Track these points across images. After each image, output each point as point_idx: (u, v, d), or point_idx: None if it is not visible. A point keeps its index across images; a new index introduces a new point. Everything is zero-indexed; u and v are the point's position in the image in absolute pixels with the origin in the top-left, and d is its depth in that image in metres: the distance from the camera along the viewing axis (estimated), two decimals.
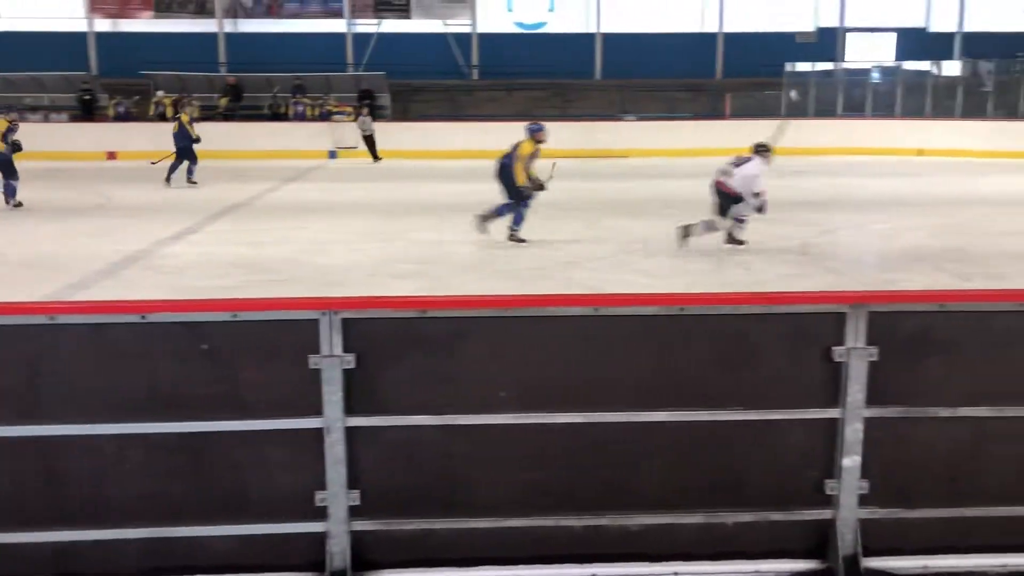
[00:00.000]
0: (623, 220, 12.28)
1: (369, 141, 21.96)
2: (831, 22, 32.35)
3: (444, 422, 3.01)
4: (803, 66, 28.38)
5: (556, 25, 32.38)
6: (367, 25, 30.42)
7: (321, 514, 3.03)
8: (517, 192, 10.14)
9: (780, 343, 3.07)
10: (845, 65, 30.32)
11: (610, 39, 32.26)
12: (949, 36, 32.28)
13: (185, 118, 17.22)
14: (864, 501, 3.09)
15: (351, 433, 3.00)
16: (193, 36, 29.40)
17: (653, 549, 3.11)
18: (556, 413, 3.00)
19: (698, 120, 26.15)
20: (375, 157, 21.78)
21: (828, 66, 29.87)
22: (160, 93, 25.11)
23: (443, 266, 9.06)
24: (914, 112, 25.38)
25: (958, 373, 3.07)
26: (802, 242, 10.32)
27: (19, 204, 13.66)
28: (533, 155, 10.33)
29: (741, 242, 9.70)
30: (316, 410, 2.97)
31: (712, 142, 24.31)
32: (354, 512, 3.04)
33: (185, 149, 16.85)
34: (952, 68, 28.90)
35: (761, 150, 9.66)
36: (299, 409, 2.97)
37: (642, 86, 29.45)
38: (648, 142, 23.17)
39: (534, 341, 3.01)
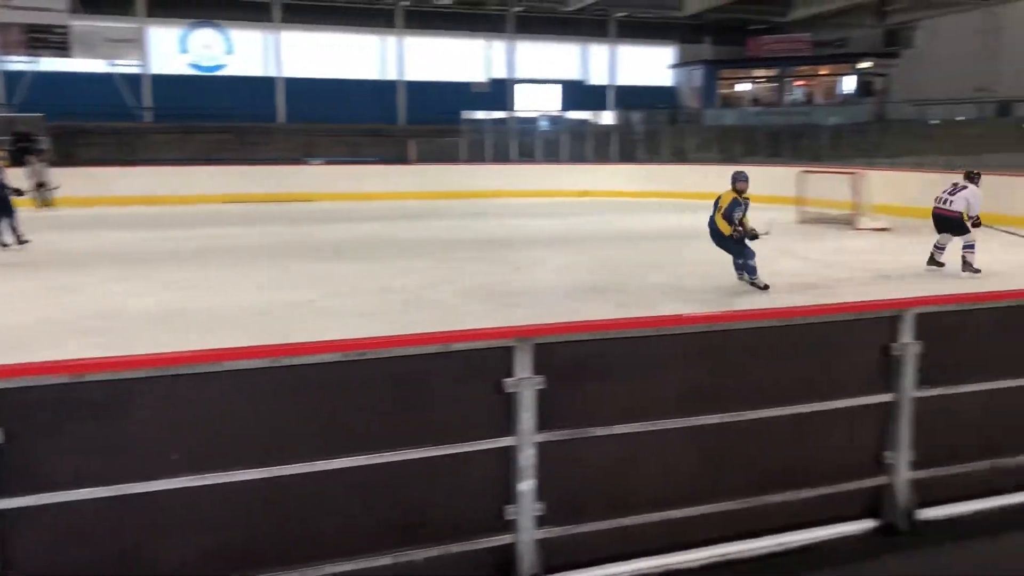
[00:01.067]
0: (312, 264, 12.16)
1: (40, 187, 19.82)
2: (502, 74, 34.59)
3: (114, 492, 2.78)
4: (479, 114, 29.99)
5: (235, 68, 31.56)
6: (20, 62, 27.63)
7: None
8: (732, 244, 9.77)
9: (456, 379, 3.20)
10: (516, 114, 32.53)
11: (292, 83, 32.03)
12: (603, 89, 35.80)
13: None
14: (541, 522, 3.29)
15: (2, 518, 2.69)
16: None
17: None
18: (233, 471, 2.89)
19: (383, 165, 26.63)
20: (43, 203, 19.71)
21: (501, 114, 31.84)
22: None
23: (128, 321, 8.41)
24: (578, 157, 27.73)
25: (613, 394, 3.39)
26: (488, 279, 10.83)
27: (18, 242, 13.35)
28: (736, 204, 9.69)
29: (976, 270, 10.57)
30: None
31: (397, 186, 24.94)
32: None
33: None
34: (608, 118, 32.03)
35: (974, 177, 11.07)
36: None
37: (326, 131, 29.51)
38: (334, 186, 23.16)
39: (208, 398, 2.89)
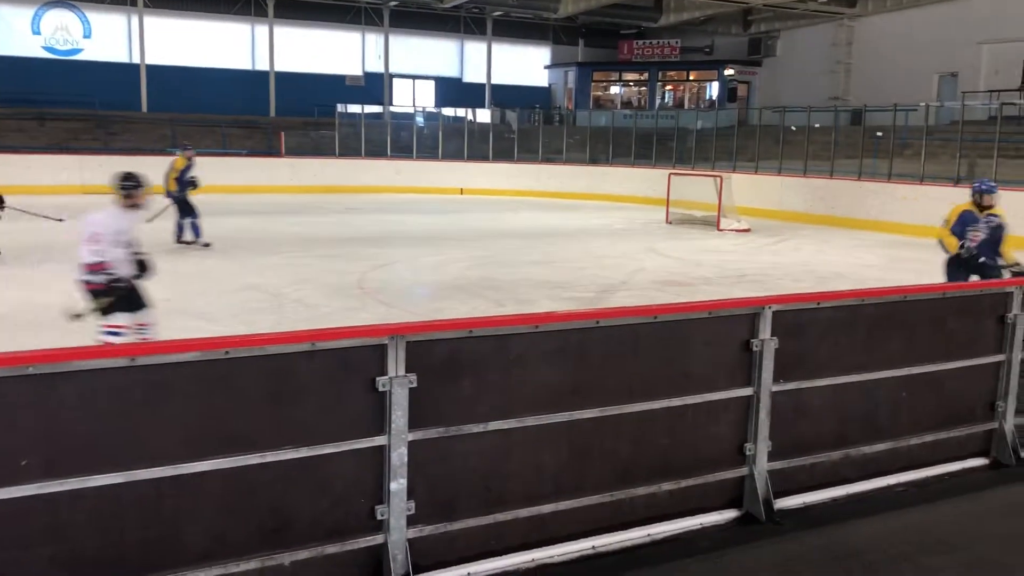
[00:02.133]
0: (172, 262, 11.70)
1: None
2: (377, 68, 34.16)
3: None
4: (354, 108, 29.52)
5: (94, 53, 29.94)
6: None
7: None
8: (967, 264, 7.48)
9: (327, 377, 3.14)
10: (392, 109, 32.21)
11: (156, 71, 30.65)
12: (481, 87, 35.88)
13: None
14: (412, 521, 3.27)
15: None
16: None
17: None
18: (87, 477, 2.75)
19: (254, 157, 25.88)
20: None
21: (377, 109, 31.45)
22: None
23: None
24: (454, 154, 27.71)
25: (485, 391, 3.40)
26: (360, 276, 10.69)
27: (207, 244, 12.58)
28: (967, 216, 7.48)
29: None
30: None
31: (268, 179, 24.29)
32: None
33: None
34: (484, 116, 32.12)
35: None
36: None
37: (194, 121, 28.39)
38: (202, 178, 22.29)
39: (61, 400, 2.73)
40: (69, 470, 2.75)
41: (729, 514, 3.98)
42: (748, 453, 3.98)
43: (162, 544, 2.92)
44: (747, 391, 3.94)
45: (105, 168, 21.81)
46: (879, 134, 20.58)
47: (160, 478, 2.87)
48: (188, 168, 12.97)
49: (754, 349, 3.90)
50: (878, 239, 15.89)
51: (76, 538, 2.81)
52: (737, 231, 16.77)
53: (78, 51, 29.82)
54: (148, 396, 2.86)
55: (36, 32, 29.13)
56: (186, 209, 12.93)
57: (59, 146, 25.03)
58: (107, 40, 30.17)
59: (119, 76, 29.97)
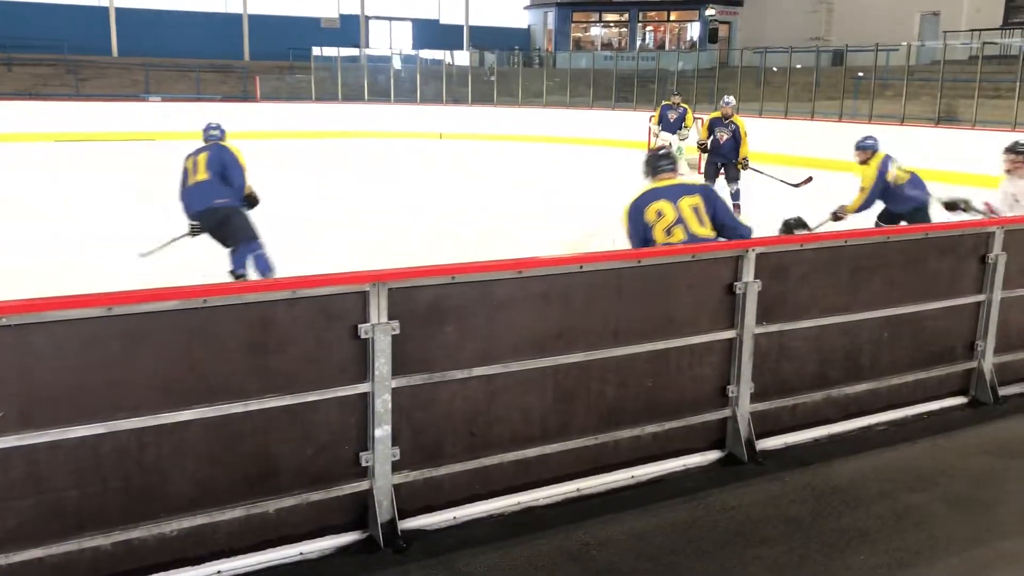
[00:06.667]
0: (143, 209, 11.53)
1: None
2: (353, 10, 33.51)
3: None
4: (329, 51, 29.01)
5: None
6: None
7: None
8: None
9: (308, 325, 3.10)
10: (368, 52, 31.65)
11: (126, 13, 29.95)
12: (459, 28, 35.32)
13: None
14: (396, 467, 3.27)
15: None
16: None
17: (193, 552, 2.99)
18: (66, 428, 2.72)
19: (228, 102, 25.44)
20: None
21: (353, 52, 30.91)
22: None
23: None
24: (432, 98, 27.37)
25: (468, 337, 3.38)
26: (336, 219, 10.59)
27: None
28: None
29: None
30: None
31: (243, 125, 23.84)
32: None
33: None
34: (463, 58, 31.65)
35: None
36: None
37: (167, 65, 27.84)
38: (175, 124, 21.93)
39: (36, 351, 2.69)
40: (47, 421, 2.71)
41: (712, 455, 4.02)
42: (731, 395, 4.00)
43: (145, 493, 2.90)
44: (730, 334, 3.95)
45: (80, 115, 21.61)
46: (860, 75, 20.48)
47: (142, 428, 2.84)
48: None
49: (737, 292, 3.89)
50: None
51: (57, 489, 2.79)
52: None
53: None
54: (126, 346, 2.82)
55: None
56: None
57: (28, 92, 24.49)
58: None
59: (88, 18, 29.27)
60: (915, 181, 7.22)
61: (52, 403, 2.72)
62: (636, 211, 4.80)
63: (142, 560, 2.93)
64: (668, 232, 4.65)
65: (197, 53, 28.81)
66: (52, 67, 26.75)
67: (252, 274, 6.75)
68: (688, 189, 4.84)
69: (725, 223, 4.75)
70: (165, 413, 2.87)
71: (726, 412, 4.02)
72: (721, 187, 11.15)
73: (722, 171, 11.37)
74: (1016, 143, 6.79)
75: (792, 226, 7.06)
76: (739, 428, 4.00)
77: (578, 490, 3.65)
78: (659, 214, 4.69)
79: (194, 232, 6.83)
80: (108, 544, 2.86)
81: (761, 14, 32.90)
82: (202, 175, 6.74)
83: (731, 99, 11.87)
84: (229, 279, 6.71)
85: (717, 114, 11.50)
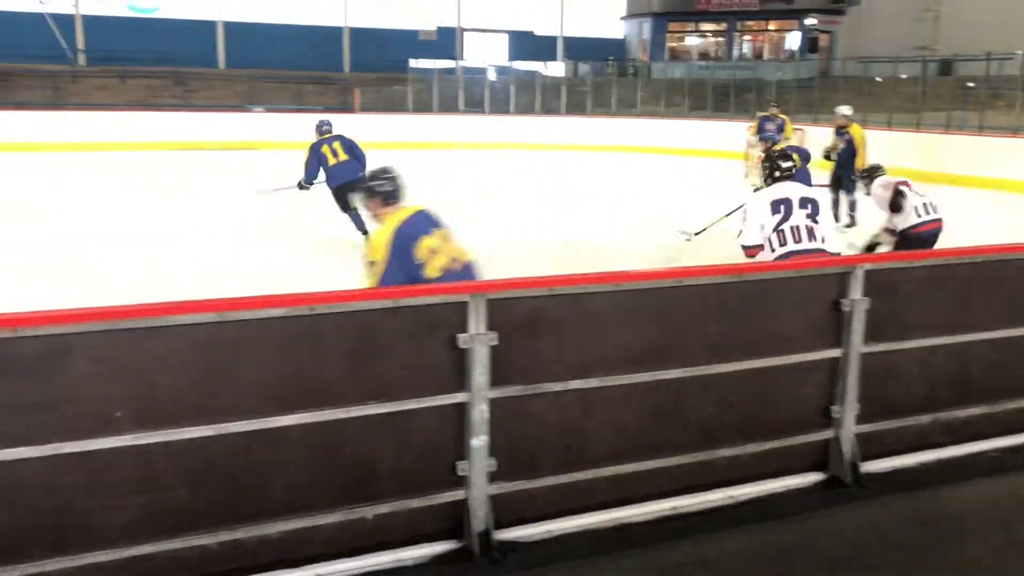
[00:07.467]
0: (254, 213, 11.90)
1: None
2: (450, 22, 34.00)
3: (47, 452, 2.69)
4: (426, 63, 29.47)
5: (172, 10, 30.47)
6: None
7: None
8: None
9: (408, 334, 3.14)
10: (464, 63, 32.04)
11: (233, 27, 31.07)
12: (553, 40, 35.44)
13: None
14: (493, 478, 3.28)
15: None
16: None
17: (293, 554, 3.05)
18: (180, 429, 2.82)
19: (328, 113, 26.04)
20: None
21: (449, 64, 31.34)
22: None
23: (53, 273, 8.15)
24: (526, 109, 27.50)
25: (566, 350, 3.37)
26: None
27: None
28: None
29: None
30: None
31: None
32: None
33: None
34: (556, 69, 31.73)
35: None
36: None
37: (270, 77, 28.74)
38: (277, 135, 22.62)
39: (153, 354, 2.80)
40: (161, 422, 2.82)
41: (814, 477, 3.89)
42: (835, 415, 3.87)
43: (250, 495, 2.98)
44: (835, 352, 3.83)
45: (188, 125, 22.49)
46: (970, 85, 19.69)
47: (248, 431, 2.92)
48: None
49: (844, 309, 3.77)
50: (976, 196, 15.21)
51: (168, 488, 2.89)
52: (820, 186, 16.27)
53: (156, 9, 30.36)
54: (236, 351, 2.91)
55: None
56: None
57: (141, 103, 25.62)
58: None
59: (197, 33, 30.46)
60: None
61: (166, 405, 2.83)
62: (403, 240, 4.05)
63: (244, 560, 3.01)
64: (443, 268, 4.09)
65: (299, 65, 29.67)
66: (163, 79, 27.93)
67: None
68: (429, 219, 4.26)
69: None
70: (270, 417, 2.95)
71: (829, 433, 3.89)
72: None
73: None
74: None
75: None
76: (843, 449, 3.87)
77: (674, 508, 3.58)
78: (432, 251, 4.08)
79: (301, 187, 9.98)
80: (214, 543, 2.94)
81: (863, 23, 32.00)
82: (343, 156, 9.63)
83: (845, 108, 11.54)
84: (359, 237, 9.23)
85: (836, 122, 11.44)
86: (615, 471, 3.51)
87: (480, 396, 3.21)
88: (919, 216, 6.76)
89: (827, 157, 11.49)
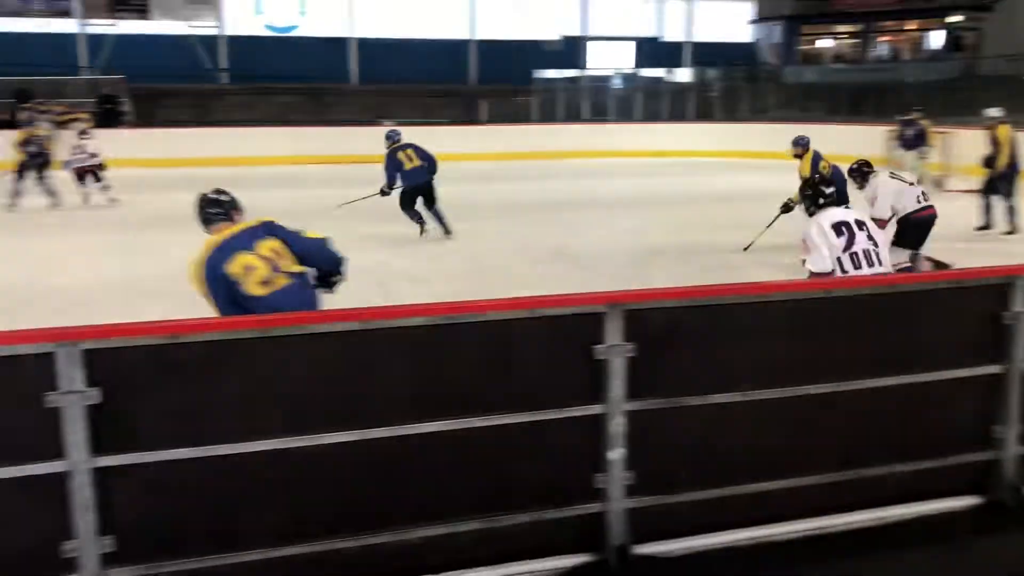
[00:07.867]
0: (382, 227, 12.19)
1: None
2: (574, 31, 34.05)
3: (206, 453, 2.82)
4: (551, 73, 29.60)
5: (308, 29, 31.73)
6: (101, 25, 28.23)
7: (69, 567, 2.75)
8: None
9: (545, 344, 3.14)
10: (589, 72, 32.01)
11: (365, 44, 32.06)
12: (679, 45, 34.97)
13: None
14: (630, 491, 3.23)
15: (102, 475, 2.74)
16: None
17: (432, 561, 3.09)
18: (325, 434, 2.90)
19: (455, 125, 26.53)
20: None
21: (574, 73, 31.37)
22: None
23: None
24: (652, 116, 27.20)
25: (704, 362, 3.29)
26: (558, 243, 10.73)
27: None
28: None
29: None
30: (57, 452, 2.68)
31: (469, 147, 24.80)
32: (106, 560, 2.79)
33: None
34: (683, 75, 31.29)
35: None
36: (36, 453, 2.68)
37: (398, 91, 29.50)
38: None
39: (298, 360, 2.89)
40: (307, 427, 2.91)
41: (970, 500, 3.66)
42: (997, 435, 3.63)
43: (390, 500, 3.04)
44: (996, 369, 3.59)
45: (322, 139, 23.33)
46: None
47: (390, 437, 2.98)
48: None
49: (1007, 323, 3.54)
50: None
51: (311, 492, 2.98)
52: (965, 191, 15.41)
53: (294, 27, 31.68)
54: (378, 358, 2.97)
55: (259, 12, 31.19)
56: None
57: (278, 119, 26.74)
58: (320, 15, 31.87)
59: (331, 50, 31.58)
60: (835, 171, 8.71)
61: (312, 410, 2.92)
62: (212, 271, 3.94)
63: (384, 565, 3.07)
64: (266, 283, 3.93)
65: (427, 79, 30.33)
66: (298, 95, 29.08)
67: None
68: (254, 232, 4.10)
69: (306, 252, 4.17)
70: (411, 424, 2.99)
71: (989, 454, 3.66)
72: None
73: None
74: None
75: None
76: (1006, 472, 3.62)
77: (819, 528, 3.44)
78: (248, 268, 3.92)
79: (383, 194, 11.01)
80: (356, 547, 3.01)
81: (1015, 18, 30.16)
82: (416, 162, 10.65)
83: (993, 110, 10.92)
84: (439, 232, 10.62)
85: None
86: (756, 488, 3.40)
87: (617, 408, 3.17)
88: (919, 202, 7.43)
89: (987, 164, 10.89)
